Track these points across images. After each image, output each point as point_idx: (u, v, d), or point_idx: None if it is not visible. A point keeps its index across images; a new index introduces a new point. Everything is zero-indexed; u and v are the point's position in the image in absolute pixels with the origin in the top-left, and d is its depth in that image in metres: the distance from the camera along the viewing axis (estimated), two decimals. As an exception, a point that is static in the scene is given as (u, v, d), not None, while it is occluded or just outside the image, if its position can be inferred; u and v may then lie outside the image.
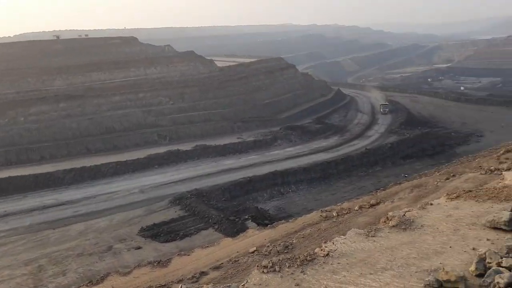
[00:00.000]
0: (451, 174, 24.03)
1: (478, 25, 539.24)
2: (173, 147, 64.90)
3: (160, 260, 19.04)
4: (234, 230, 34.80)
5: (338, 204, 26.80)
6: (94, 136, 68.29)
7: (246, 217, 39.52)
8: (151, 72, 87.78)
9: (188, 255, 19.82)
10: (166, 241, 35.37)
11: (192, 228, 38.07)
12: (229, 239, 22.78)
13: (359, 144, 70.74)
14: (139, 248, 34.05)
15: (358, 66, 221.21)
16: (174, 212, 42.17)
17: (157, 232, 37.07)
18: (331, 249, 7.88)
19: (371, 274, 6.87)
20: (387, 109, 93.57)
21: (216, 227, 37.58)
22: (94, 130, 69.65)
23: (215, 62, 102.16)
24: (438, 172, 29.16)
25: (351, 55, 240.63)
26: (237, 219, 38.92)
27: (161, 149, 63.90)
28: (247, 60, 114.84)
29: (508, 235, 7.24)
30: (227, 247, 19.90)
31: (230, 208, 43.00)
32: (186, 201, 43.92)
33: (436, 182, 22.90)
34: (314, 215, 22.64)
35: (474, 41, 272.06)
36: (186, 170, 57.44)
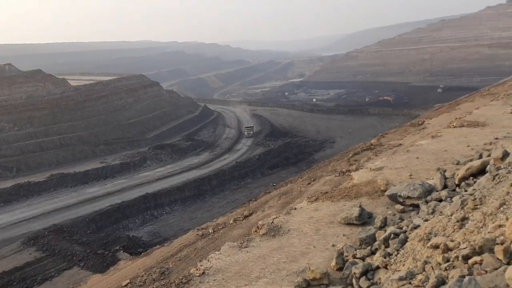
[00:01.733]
0: (312, 179, 26.37)
1: (323, 42, 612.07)
2: (22, 180, 56.79)
3: (13, 314, 16.35)
4: (104, 264, 32.08)
5: (214, 220, 27.03)
6: None
7: (117, 248, 36.81)
8: (-13, 95, 75.86)
9: (49, 301, 17.50)
10: (21, 290, 30.68)
11: (53, 269, 33.80)
12: (98, 275, 20.91)
13: (230, 158, 72.79)
14: (-16, 305, 28.78)
15: (222, 82, 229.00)
16: (28, 255, 36.80)
17: (8, 281, 31.85)
18: (206, 267, 7.88)
19: (246, 285, 7.08)
20: (252, 132, 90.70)
21: (82, 264, 34.09)
22: None
23: (68, 81, 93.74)
24: (301, 178, 31.74)
25: (214, 71, 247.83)
26: (106, 252, 35.97)
27: (8, 183, 55.32)
28: (106, 78, 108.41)
29: (359, 229, 8.27)
30: (96, 285, 18.22)
31: (98, 241, 39.55)
32: (43, 240, 38.77)
33: (299, 188, 24.86)
34: (190, 235, 22.34)
35: (320, 57, 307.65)
36: (41, 204, 50.81)
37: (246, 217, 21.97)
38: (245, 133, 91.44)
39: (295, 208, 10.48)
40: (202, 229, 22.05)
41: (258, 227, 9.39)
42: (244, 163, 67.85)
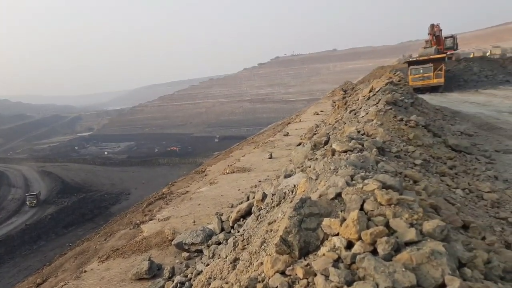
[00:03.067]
0: (108, 234, 23.81)
1: (108, 97, 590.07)
2: None
3: None
4: None
5: (1, 294, 21.07)
6: None
7: None
8: None
9: None
10: None
11: None
12: None
13: (18, 221, 61.84)
14: None
15: (2, 139, 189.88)
16: None
17: None
18: None
19: None
20: (35, 200, 71.76)
21: None
22: None
23: None
24: (97, 235, 28.36)
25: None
26: None
27: None
28: None
29: (150, 282, 7.61)
30: None
31: None
32: None
33: (95, 246, 22.02)
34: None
35: (107, 111, 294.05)
36: None
37: (39, 285, 17.94)
38: (27, 202, 71.51)
39: (85, 271, 8.98)
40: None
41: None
42: (35, 225, 58.29)
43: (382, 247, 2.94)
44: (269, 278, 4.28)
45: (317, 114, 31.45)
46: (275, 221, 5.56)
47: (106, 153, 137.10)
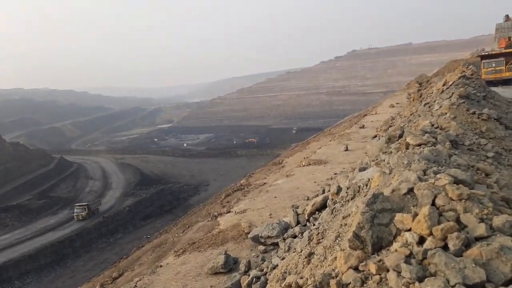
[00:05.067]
0: (187, 226, 25.82)
1: (187, 90, 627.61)
2: None
3: None
4: None
5: (78, 287, 24.22)
6: None
7: None
8: None
9: None
10: None
11: None
12: None
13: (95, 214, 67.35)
14: None
15: (81, 131, 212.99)
16: None
17: None
18: None
19: None
20: (84, 213, 63.34)
21: None
22: None
23: None
24: (175, 227, 30.84)
25: (71, 120, 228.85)
26: None
27: None
28: None
29: (226, 277, 8.34)
30: None
31: None
32: None
33: (173, 238, 24.03)
34: (46, 311, 19.53)
35: (187, 104, 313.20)
36: None
37: (115, 279, 20.17)
38: (74, 214, 63.67)
39: (161, 266, 10.09)
40: (62, 302, 19.52)
41: (117, 295, 8.73)
42: (113, 217, 63.36)
43: (453, 243, 3.15)
44: (343, 274, 4.64)
45: (393, 107, 33.34)
46: (349, 215, 5.87)
47: (185, 144, 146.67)
